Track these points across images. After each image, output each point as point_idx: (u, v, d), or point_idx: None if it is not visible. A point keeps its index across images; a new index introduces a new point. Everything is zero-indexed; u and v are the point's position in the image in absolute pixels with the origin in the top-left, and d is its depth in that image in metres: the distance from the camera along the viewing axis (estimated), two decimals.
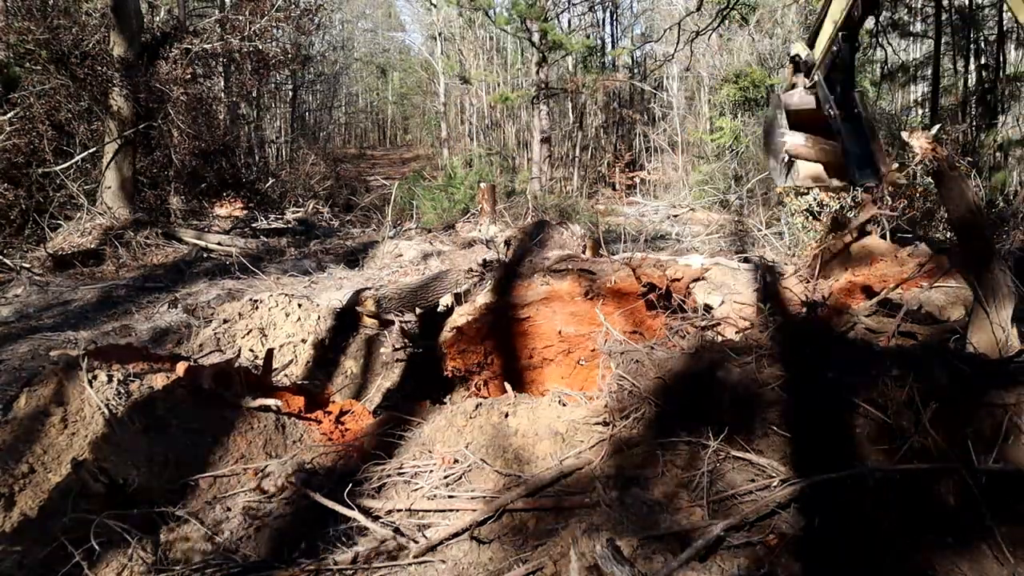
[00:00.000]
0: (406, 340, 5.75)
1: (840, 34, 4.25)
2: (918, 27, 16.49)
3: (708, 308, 4.65)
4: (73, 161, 11.25)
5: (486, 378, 4.69)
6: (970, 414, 2.37)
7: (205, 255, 10.54)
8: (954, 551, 2.09)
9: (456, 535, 2.53)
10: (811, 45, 4.61)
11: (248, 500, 2.84)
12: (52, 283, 8.59)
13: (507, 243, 6.46)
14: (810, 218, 9.68)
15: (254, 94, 18.07)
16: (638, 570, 2.06)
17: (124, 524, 2.56)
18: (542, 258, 4.95)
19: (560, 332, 4.57)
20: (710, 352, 3.13)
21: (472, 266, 6.16)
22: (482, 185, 14.73)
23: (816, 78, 4.43)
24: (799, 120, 4.47)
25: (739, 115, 18.59)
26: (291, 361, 5.58)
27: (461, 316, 4.78)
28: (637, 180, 22.18)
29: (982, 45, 15.34)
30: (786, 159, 4.50)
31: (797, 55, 4.61)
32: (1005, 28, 13.69)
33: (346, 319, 5.97)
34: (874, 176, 4.19)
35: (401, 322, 6.18)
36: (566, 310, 4.68)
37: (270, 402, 3.48)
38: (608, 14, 27.35)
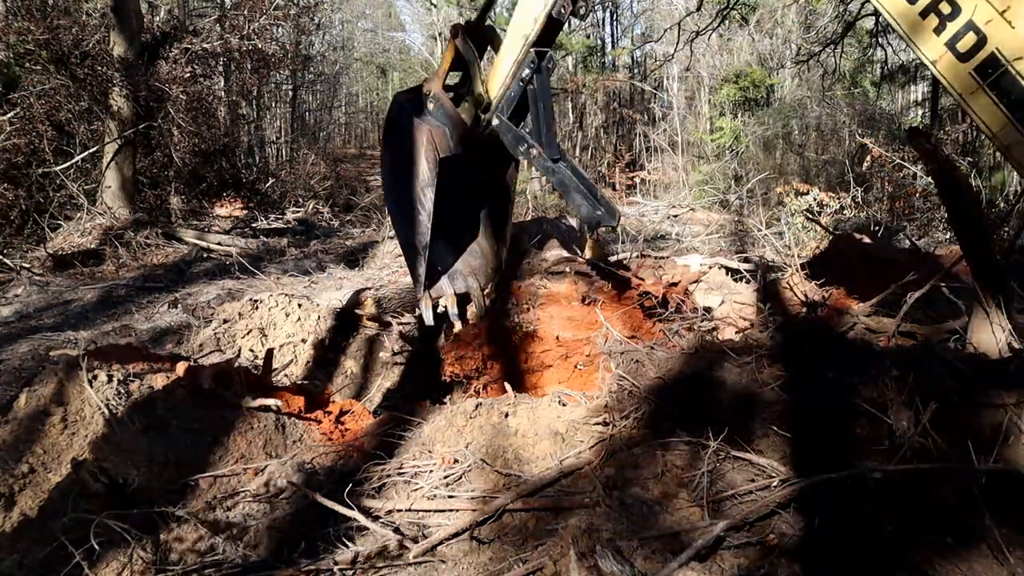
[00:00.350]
0: (406, 340, 5.75)
1: (532, 51, 3.60)
2: None
3: (708, 308, 4.65)
4: (73, 161, 11.25)
5: (485, 383, 4.68)
6: (970, 414, 2.37)
7: (205, 255, 10.54)
8: (954, 551, 2.09)
9: (456, 535, 2.53)
10: (462, 69, 3.91)
11: (248, 500, 2.84)
12: (52, 283, 8.59)
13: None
14: (810, 218, 9.69)
15: (254, 93, 18.07)
16: (638, 570, 2.07)
17: (124, 524, 2.55)
18: (540, 260, 4.94)
19: (558, 337, 4.57)
20: (710, 352, 3.14)
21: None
22: None
23: (497, 120, 3.76)
24: (450, 164, 3.85)
25: (739, 115, 18.60)
26: (291, 361, 5.58)
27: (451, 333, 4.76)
28: (637, 180, 22.18)
29: None
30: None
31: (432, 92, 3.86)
32: None
33: (346, 319, 5.97)
34: (612, 217, 3.68)
35: (400, 323, 6.18)
36: (563, 314, 4.68)
37: (270, 402, 3.48)
38: (608, 14, 27.35)
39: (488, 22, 4.10)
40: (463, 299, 4.36)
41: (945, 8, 2.40)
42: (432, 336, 4.76)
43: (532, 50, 3.61)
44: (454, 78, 4.18)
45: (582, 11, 3.57)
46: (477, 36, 3.95)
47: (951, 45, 2.42)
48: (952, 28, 2.40)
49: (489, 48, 4.02)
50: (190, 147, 12.96)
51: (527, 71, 3.66)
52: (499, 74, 3.77)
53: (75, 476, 2.77)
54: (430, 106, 4.00)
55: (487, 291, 4.39)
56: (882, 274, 4.60)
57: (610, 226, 3.76)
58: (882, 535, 2.17)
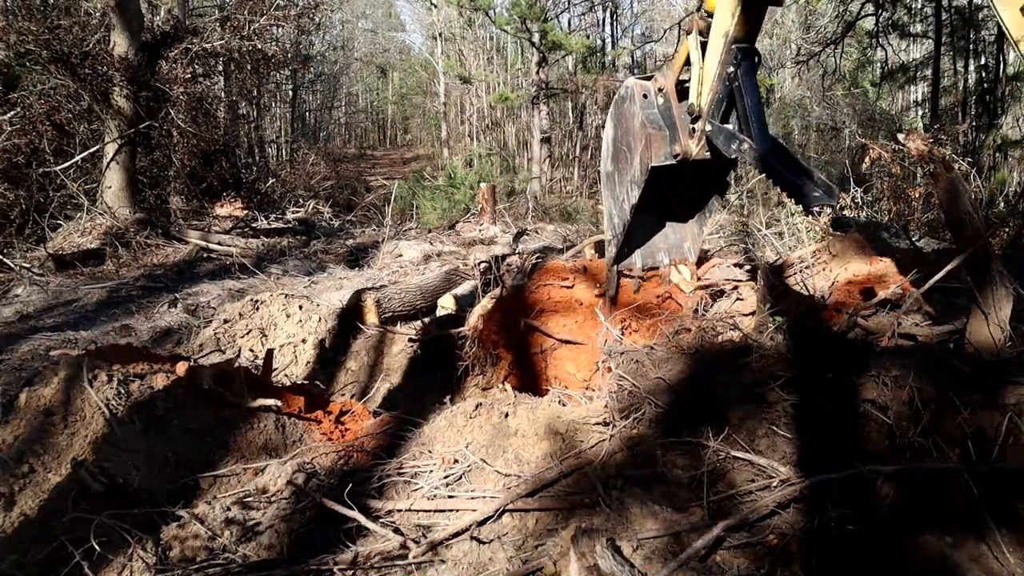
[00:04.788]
0: (406, 341, 5.75)
1: (735, 48, 3.49)
2: (918, 27, 16.48)
3: (708, 307, 4.65)
4: (73, 161, 11.25)
5: (503, 372, 4.75)
6: (970, 414, 2.37)
7: (205, 255, 10.54)
8: (954, 551, 2.09)
9: (456, 535, 2.53)
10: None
11: (248, 500, 2.85)
12: (52, 283, 8.58)
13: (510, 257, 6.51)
14: (810, 218, 9.68)
15: (254, 93, 18.06)
16: (638, 570, 2.07)
17: (124, 524, 2.56)
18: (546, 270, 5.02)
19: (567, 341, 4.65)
20: (710, 352, 3.14)
21: (471, 269, 6.18)
22: (482, 185, 14.75)
23: (710, 126, 3.71)
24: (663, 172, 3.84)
25: None
26: (291, 361, 5.58)
27: (484, 305, 4.86)
28: None
29: (982, 45, 15.34)
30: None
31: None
32: None
33: (347, 319, 5.97)
34: (831, 196, 3.51)
35: (401, 323, 6.19)
36: (571, 320, 4.75)
37: (270, 402, 3.48)
38: (608, 14, 27.37)
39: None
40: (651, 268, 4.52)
41: None
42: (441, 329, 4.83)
43: (734, 47, 3.51)
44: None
45: None
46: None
47: None
48: None
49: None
50: (190, 147, 12.95)
51: (731, 68, 3.57)
52: (707, 79, 3.68)
53: (75, 476, 2.77)
54: (659, 102, 4.00)
55: (680, 261, 4.53)
56: (882, 274, 4.60)
57: (830, 205, 3.60)
58: (882, 535, 2.17)
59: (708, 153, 3.86)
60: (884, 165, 10.53)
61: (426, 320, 6.02)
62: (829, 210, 10.64)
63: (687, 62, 3.88)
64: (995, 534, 2.08)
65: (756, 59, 3.59)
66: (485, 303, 4.85)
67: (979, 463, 2.24)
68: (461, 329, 4.87)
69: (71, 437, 2.96)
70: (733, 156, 3.72)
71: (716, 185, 4.41)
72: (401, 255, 10.29)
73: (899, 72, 16.52)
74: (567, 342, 4.72)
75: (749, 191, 14.99)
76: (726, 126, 3.71)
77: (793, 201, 3.55)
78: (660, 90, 4.03)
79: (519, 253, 5.28)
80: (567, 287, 4.82)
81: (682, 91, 4.00)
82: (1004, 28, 2.50)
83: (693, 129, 3.86)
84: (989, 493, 2.15)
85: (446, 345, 5.06)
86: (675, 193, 4.34)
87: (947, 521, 2.17)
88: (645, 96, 4.05)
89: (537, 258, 5.61)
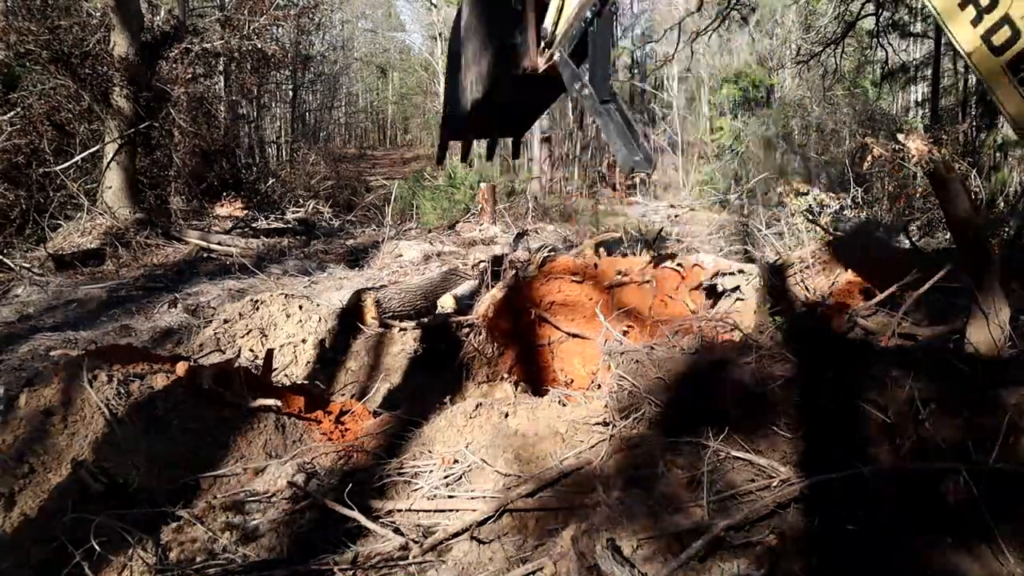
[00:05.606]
0: (403, 331, 5.74)
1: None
2: (918, 27, 16.48)
3: (709, 306, 4.66)
4: (73, 161, 11.25)
5: (509, 362, 4.75)
6: (970, 414, 2.37)
7: (206, 255, 10.54)
8: (954, 551, 2.09)
9: (456, 535, 2.53)
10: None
11: (248, 500, 2.85)
12: (52, 283, 8.58)
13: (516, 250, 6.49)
14: (810, 218, 9.68)
15: (254, 93, 18.06)
16: (638, 570, 2.07)
17: (124, 524, 2.56)
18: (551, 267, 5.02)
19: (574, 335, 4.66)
20: (710, 352, 3.14)
21: (471, 269, 6.18)
22: (482, 185, 14.74)
23: (559, 55, 3.81)
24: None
25: (739, 115, 18.59)
26: (291, 361, 5.58)
27: (494, 295, 4.87)
28: (637, 180, 22.16)
29: None
30: None
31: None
32: None
33: (347, 319, 5.97)
34: (647, 164, 3.67)
35: (400, 323, 6.18)
36: (578, 314, 4.75)
37: (270, 402, 3.48)
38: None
39: None
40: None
41: (983, 0, 2.41)
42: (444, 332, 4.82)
43: None
44: None
45: None
46: None
47: (986, 38, 2.43)
48: (988, 21, 2.41)
49: None
50: (190, 147, 12.96)
51: (589, 13, 3.67)
52: (565, 12, 3.78)
53: (75, 476, 2.77)
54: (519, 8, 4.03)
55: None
56: (882, 274, 4.60)
57: (645, 171, 3.74)
58: (882, 535, 2.17)
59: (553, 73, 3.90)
60: (884, 165, 10.54)
61: (425, 320, 6.02)
62: (829, 210, 10.65)
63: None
64: (995, 534, 2.08)
65: (615, 8, 3.64)
66: (495, 293, 4.85)
67: (979, 463, 2.24)
68: (467, 316, 4.86)
69: (71, 437, 2.96)
70: (573, 96, 3.81)
71: (543, 102, 4.41)
72: (401, 255, 10.29)
73: (899, 72, 16.51)
74: (575, 335, 4.73)
75: (749, 191, 14.99)
76: (573, 65, 3.78)
77: (615, 158, 3.64)
78: None
79: (528, 249, 5.33)
80: (577, 282, 4.83)
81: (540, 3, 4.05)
82: (954, 42, 2.58)
83: (543, 48, 3.92)
84: (989, 493, 2.15)
85: (447, 334, 5.06)
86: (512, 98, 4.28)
87: (947, 521, 2.17)
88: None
89: (549, 251, 5.61)
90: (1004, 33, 2.38)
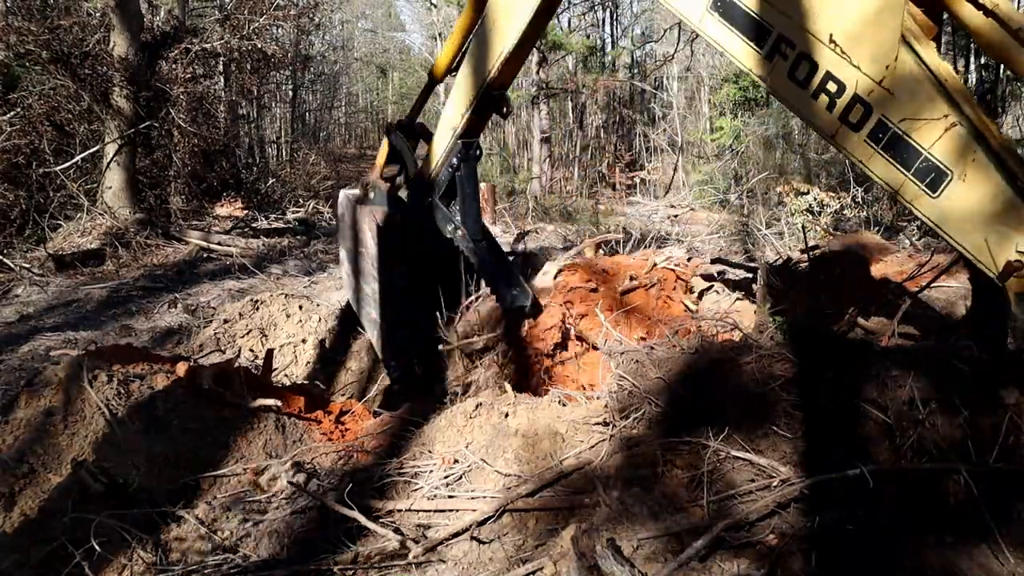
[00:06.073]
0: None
1: (460, 143, 3.97)
2: None
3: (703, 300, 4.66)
4: (73, 161, 11.25)
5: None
6: (970, 414, 2.37)
7: (206, 255, 10.54)
8: (954, 551, 2.09)
9: (456, 535, 2.53)
10: (398, 160, 4.31)
11: (248, 500, 2.85)
12: (52, 283, 8.59)
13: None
14: (810, 218, 9.69)
15: (254, 93, 18.05)
16: (638, 570, 2.07)
17: (124, 524, 2.56)
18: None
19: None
20: (710, 352, 3.13)
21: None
22: (482, 185, 14.74)
23: (434, 199, 4.11)
24: (391, 236, 4.15)
25: (739, 115, 18.59)
26: (291, 361, 5.58)
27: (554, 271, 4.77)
28: (637, 180, 22.17)
29: None
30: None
31: (392, 176, 4.29)
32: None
33: (347, 319, 5.97)
34: (525, 296, 3.99)
35: None
36: (596, 324, 4.68)
37: (270, 402, 3.48)
38: (608, 14, 27.35)
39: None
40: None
41: (831, 87, 2.65)
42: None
43: (459, 141, 4.00)
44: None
45: (506, 112, 4.07)
46: (409, 132, 4.50)
47: (843, 118, 2.66)
48: (841, 103, 2.65)
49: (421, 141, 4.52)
50: (190, 147, 12.94)
51: (455, 160, 4.04)
52: (435, 160, 4.17)
53: (75, 476, 2.77)
54: (371, 195, 4.48)
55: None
56: (882, 274, 4.60)
57: (523, 305, 4.03)
58: (882, 535, 2.17)
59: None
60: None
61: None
62: (829, 210, 10.65)
63: (388, 159, 4.46)
64: (995, 534, 2.08)
65: (477, 154, 4.12)
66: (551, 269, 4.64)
67: (979, 463, 2.24)
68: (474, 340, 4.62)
69: (71, 437, 2.96)
70: (448, 236, 4.11)
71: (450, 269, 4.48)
72: None
73: None
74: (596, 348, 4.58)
75: (749, 191, 15.00)
76: (444, 208, 4.15)
77: (493, 297, 3.99)
78: (366, 184, 4.54)
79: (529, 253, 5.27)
80: (592, 291, 4.71)
81: (388, 181, 4.48)
82: (817, 129, 2.82)
83: (412, 198, 4.34)
84: (989, 493, 2.15)
85: None
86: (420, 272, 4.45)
87: (947, 521, 2.17)
88: (358, 198, 4.53)
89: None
90: (858, 110, 2.62)
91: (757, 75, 2.80)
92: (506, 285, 4.01)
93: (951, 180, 2.50)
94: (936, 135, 2.49)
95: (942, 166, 2.51)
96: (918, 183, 2.56)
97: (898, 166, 2.59)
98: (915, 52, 2.49)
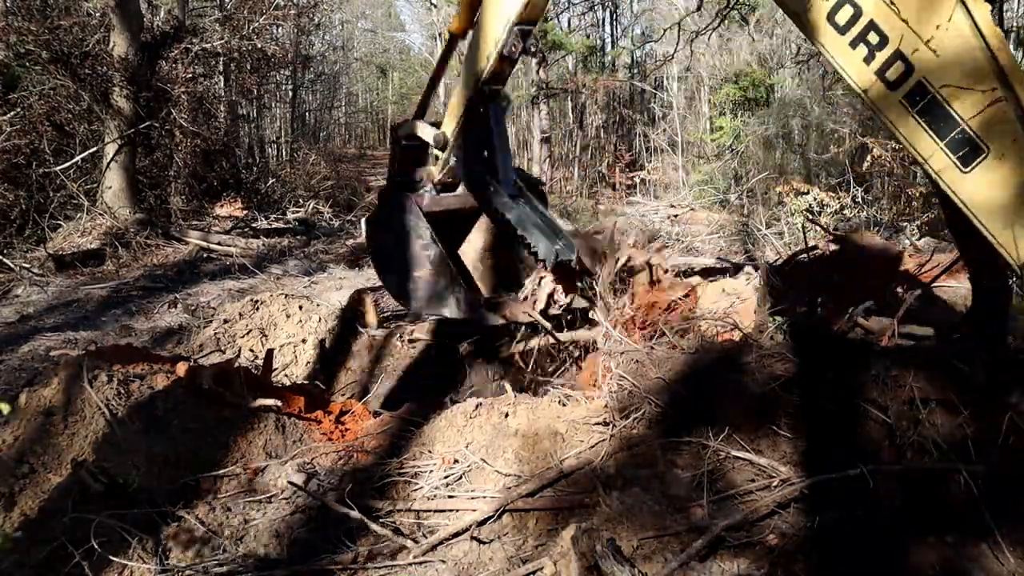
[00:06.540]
0: (406, 340, 5.74)
1: (487, 89, 3.75)
2: None
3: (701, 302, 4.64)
4: (73, 161, 11.24)
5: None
6: (970, 414, 2.37)
7: (206, 255, 10.54)
8: (954, 550, 2.09)
9: (456, 535, 2.53)
10: (422, 117, 4.08)
11: (248, 500, 2.85)
12: (52, 283, 8.58)
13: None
14: (810, 217, 9.68)
15: (254, 93, 18.04)
16: (638, 570, 2.07)
17: (124, 524, 2.56)
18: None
19: None
20: (710, 352, 3.13)
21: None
22: None
23: (454, 159, 3.90)
24: (438, 222, 4.02)
25: (739, 115, 18.58)
26: (291, 361, 5.58)
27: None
28: (637, 180, 22.16)
29: None
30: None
31: (423, 140, 4.01)
32: (1005, 28, 13.68)
33: (347, 319, 5.97)
34: (571, 250, 3.77)
35: (400, 322, 6.18)
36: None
37: (270, 402, 3.48)
38: (608, 14, 27.33)
39: None
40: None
41: (873, 38, 2.44)
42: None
43: (486, 87, 3.77)
44: None
45: (531, 49, 3.79)
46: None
47: (880, 74, 2.47)
48: (880, 57, 2.45)
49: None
50: (190, 147, 12.93)
51: (481, 109, 3.83)
52: (454, 113, 3.90)
53: (75, 476, 2.77)
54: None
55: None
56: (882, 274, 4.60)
57: (568, 259, 3.81)
58: (882, 535, 2.17)
59: (450, 179, 4.09)
60: (884, 165, 10.53)
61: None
62: (829, 210, 10.64)
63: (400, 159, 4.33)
64: (995, 534, 2.08)
65: (506, 103, 3.91)
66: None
67: (979, 463, 2.24)
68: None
69: (71, 437, 2.96)
70: (482, 200, 3.93)
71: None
72: None
73: None
74: None
75: (749, 191, 14.99)
76: (472, 166, 3.94)
77: (536, 251, 3.80)
78: (420, 180, 4.30)
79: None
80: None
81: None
82: (848, 79, 2.60)
83: (436, 157, 4.11)
84: (989, 493, 2.15)
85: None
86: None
87: (947, 521, 2.17)
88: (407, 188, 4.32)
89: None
90: (898, 68, 2.42)
91: (792, 7, 2.59)
92: (549, 240, 3.79)
93: (986, 157, 2.32)
94: (978, 108, 2.30)
95: (979, 141, 2.32)
96: (950, 154, 2.38)
97: (932, 133, 2.40)
98: (971, 16, 2.25)
